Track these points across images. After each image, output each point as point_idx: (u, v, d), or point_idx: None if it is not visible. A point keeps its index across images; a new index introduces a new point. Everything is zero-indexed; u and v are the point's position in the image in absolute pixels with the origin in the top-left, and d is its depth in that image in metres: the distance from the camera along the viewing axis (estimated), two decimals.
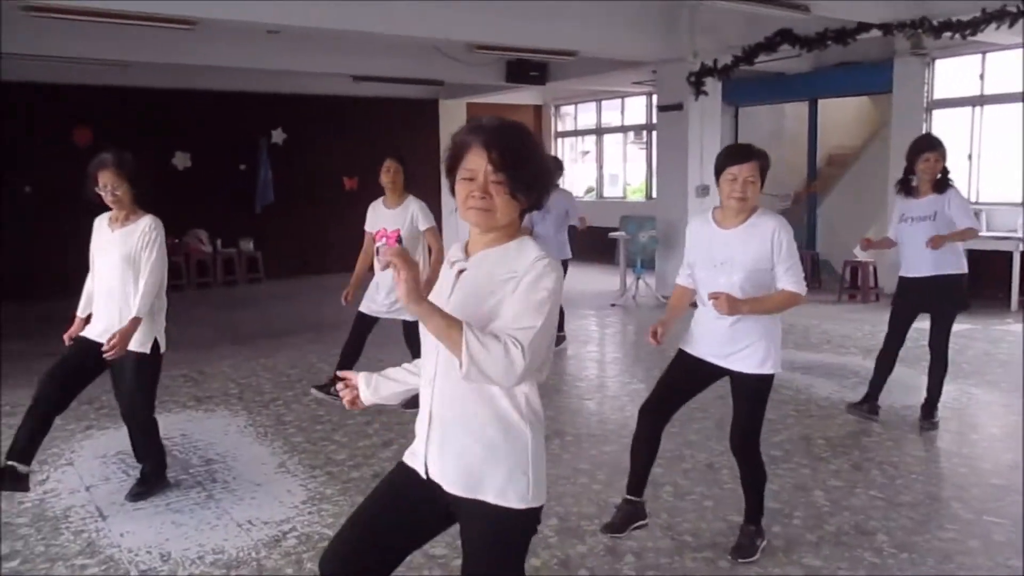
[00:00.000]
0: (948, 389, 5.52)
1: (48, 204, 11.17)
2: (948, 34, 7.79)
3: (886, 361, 5.45)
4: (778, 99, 12.65)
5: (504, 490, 1.99)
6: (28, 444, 3.99)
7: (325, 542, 3.60)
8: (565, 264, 7.43)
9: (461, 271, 2.08)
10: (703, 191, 10.37)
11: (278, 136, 13.39)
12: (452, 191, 2.07)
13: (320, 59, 10.45)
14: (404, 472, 2.16)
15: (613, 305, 10.24)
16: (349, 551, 2.15)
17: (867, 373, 6.52)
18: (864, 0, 7.70)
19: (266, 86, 12.58)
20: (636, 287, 10.55)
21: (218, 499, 4.27)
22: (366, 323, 5.79)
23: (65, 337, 4.16)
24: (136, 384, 4.11)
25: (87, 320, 4.18)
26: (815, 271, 11.72)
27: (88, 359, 4.05)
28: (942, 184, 5.13)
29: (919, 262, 5.12)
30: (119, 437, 5.22)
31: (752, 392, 3.43)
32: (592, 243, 14.03)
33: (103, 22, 7.20)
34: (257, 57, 9.98)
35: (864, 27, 8.29)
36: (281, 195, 13.24)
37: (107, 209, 4.14)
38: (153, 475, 4.34)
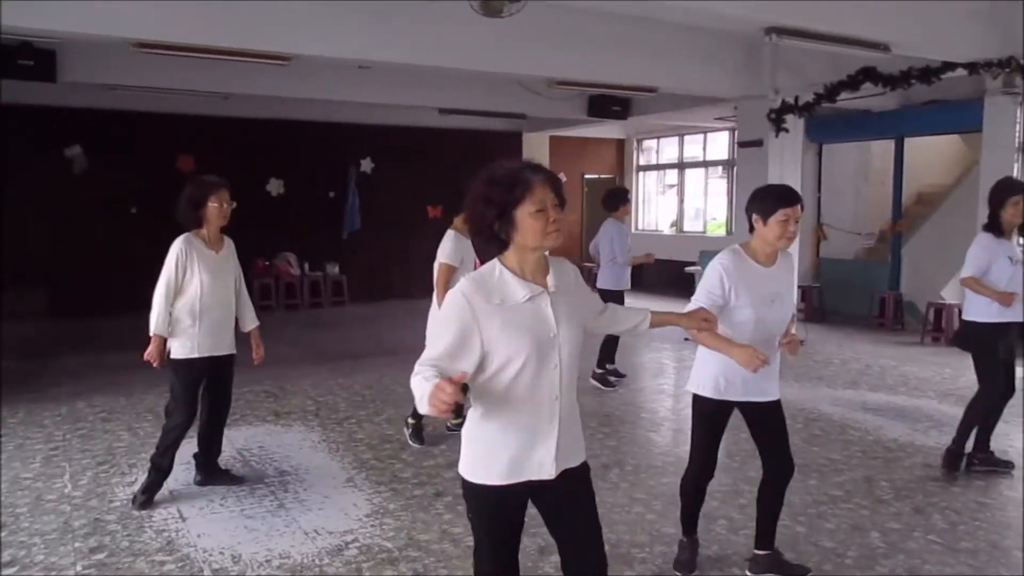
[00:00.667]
0: None
1: (152, 225, 11.87)
2: None
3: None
4: (863, 137, 12.46)
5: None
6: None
7: (384, 554, 3.85)
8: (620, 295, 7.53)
9: (550, 297, 2.40)
10: None
11: (366, 165, 13.90)
12: (501, 219, 2.31)
13: (407, 93, 10.85)
14: (509, 493, 2.43)
15: (686, 339, 10.23)
16: None
17: (941, 417, 6.47)
18: (947, 38, 7.58)
19: (356, 117, 13.10)
20: None
21: (288, 508, 4.52)
22: None
23: (154, 355, 4.43)
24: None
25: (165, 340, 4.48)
26: (897, 312, 11.47)
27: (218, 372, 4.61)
28: None
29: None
30: None
31: (782, 414, 3.56)
32: (670, 276, 14.10)
33: (204, 57, 7.69)
34: (348, 90, 10.45)
35: (949, 66, 8.18)
36: (367, 222, 13.71)
37: (193, 229, 4.52)
38: (149, 474, 4.61)
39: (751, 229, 3.51)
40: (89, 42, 7.89)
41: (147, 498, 4.51)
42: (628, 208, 8.27)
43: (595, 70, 9.17)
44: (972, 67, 7.98)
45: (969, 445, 5.19)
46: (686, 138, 15.42)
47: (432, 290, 5.84)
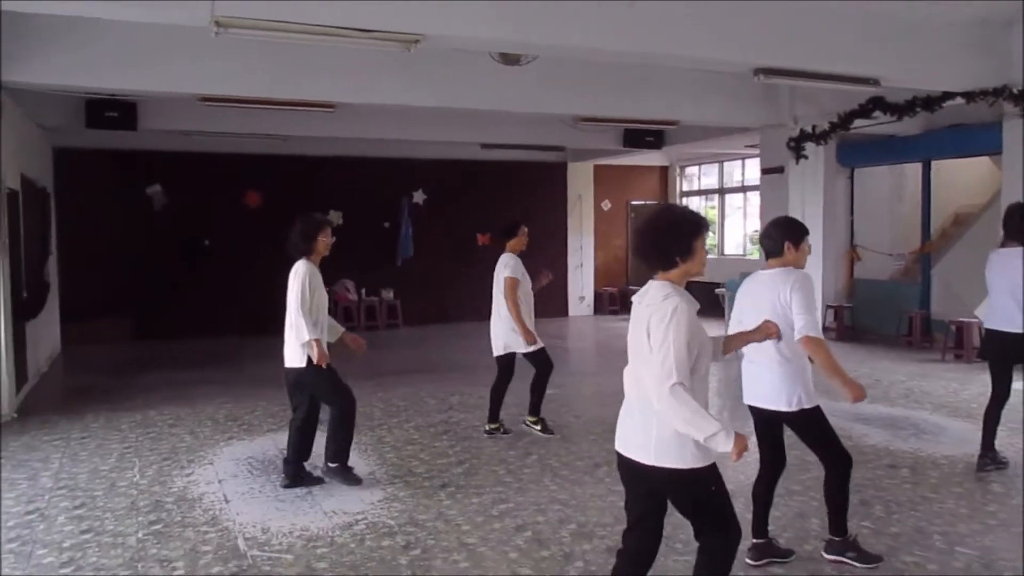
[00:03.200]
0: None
1: (223, 256, 13.08)
2: None
3: None
4: (891, 160, 12.81)
5: None
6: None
7: (385, 528, 4.62)
8: None
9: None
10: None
11: (419, 197, 14.88)
12: (668, 250, 3.00)
13: (449, 130, 11.80)
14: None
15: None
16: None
17: (928, 427, 6.95)
18: (938, 69, 8.05)
19: (408, 152, 14.11)
20: None
21: (315, 495, 5.33)
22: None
23: (322, 357, 5.26)
24: None
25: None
26: (926, 329, 11.75)
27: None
28: None
29: None
30: (251, 447, 6.50)
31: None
32: (704, 298, 14.59)
33: (260, 108, 8.74)
34: (395, 129, 11.44)
35: (949, 95, 8.64)
36: (420, 249, 14.65)
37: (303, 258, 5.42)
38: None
39: (770, 255, 4.13)
40: (164, 96, 9.02)
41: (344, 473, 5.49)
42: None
43: (616, 107, 9.93)
44: (969, 96, 8.44)
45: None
46: (725, 164, 15.95)
47: (489, 309, 6.84)
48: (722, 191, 16.25)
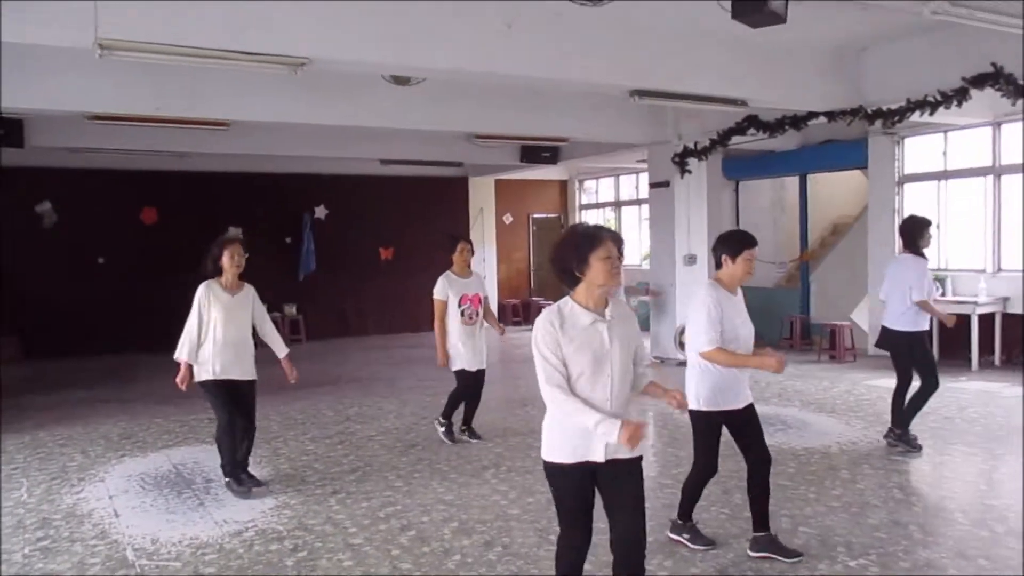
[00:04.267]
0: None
1: (118, 274, 12.87)
2: (899, 117, 8.68)
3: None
4: (772, 174, 13.62)
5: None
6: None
7: (274, 534, 4.78)
8: None
9: (607, 324, 3.20)
10: (691, 260, 11.38)
11: (320, 212, 14.95)
12: (572, 272, 3.20)
13: (349, 147, 11.96)
14: (574, 471, 3.21)
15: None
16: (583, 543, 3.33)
17: (794, 422, 7.50)
18: (798, 92, 8.68)
19: (308, 168, 14.16)
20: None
21: (207, 505, 5.45)
22: (474, 376, 6.92)
23: (181, 382, 5.53)
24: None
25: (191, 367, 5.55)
26: (805, 333, 12.51)
27: (237, 393, 5.64)
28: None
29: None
30: (143, 463, 6.55)
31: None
32: None
33: (151, 125, 8.74)
34: (291, 145, 11.52)
35: (813, 115, 9.30)
36: (322, 265, 14.71)
37: (212, 277, 5.63)
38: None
39: (719, 265, 4.46)
40: (51, 114, 8.92)
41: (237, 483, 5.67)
42: None
43: (509, 124, 10.30)
44: (830, 115, 9.10)
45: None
46: (621, 178, 16.56)
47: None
48: (618, 204, 16.86)
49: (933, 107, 8.18)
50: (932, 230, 6.65)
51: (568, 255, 3.22)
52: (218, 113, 8.50)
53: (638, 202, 16.39)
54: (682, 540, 4.57)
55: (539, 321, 3.22)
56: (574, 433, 3.18)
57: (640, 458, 3.29)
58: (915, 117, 8.46)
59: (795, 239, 13.68)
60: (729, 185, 14.06)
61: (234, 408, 5.63)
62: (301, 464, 6.48)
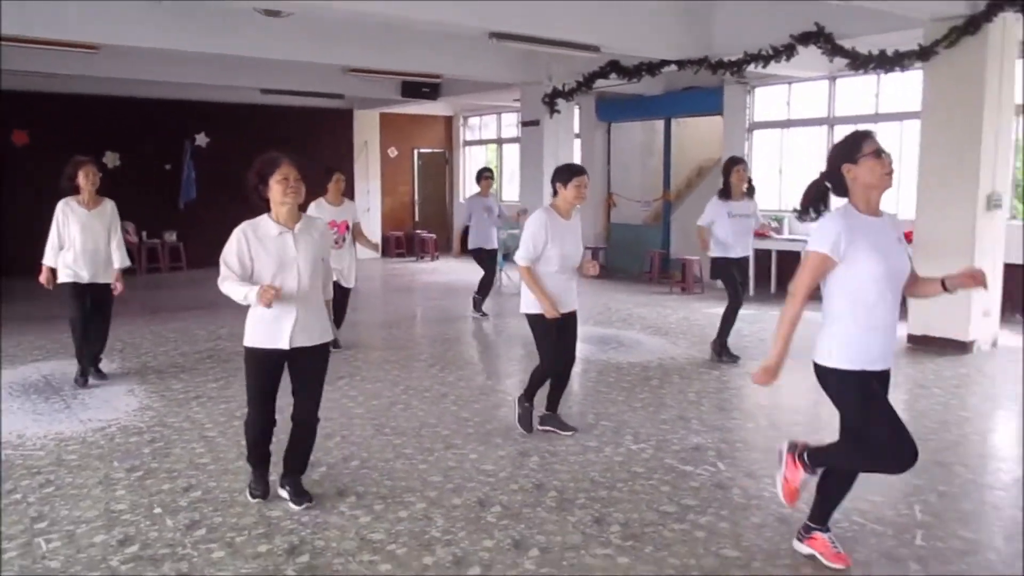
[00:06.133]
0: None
1: None
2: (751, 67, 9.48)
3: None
4: (640, 117, 14.38)
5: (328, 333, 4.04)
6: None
7: (135, 430, 5.27)
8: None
9: (293, 235, 3.84)
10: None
11: (201, 140, 14.96)
12: (259, 193, 3.83)
13: (226, 75, 12.02)
14: (265, 356, 3.88)
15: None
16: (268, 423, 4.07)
17: (631, 343, 8.34)
18: (649, 41, 9.39)
19: (189, 94, 14.08)
20: (500, 279, 12.20)
21: (73, 408, 5.88)
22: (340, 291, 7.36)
23: (45, 280, 6.34)
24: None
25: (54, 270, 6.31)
26: (664, 267, 13.46)
27: (86, 296, 6.38)
28: (751, 191, 7.36)
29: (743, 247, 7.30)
30: (13, 374, 6.88)
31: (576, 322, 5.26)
32: None
33: (14, 45, 8.71)
34: (167, 71, 11.52)
35: (665, 63, 10.04)
36: (204, 192, 14.77)
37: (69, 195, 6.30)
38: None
39: (555, 194, 5.06)
40: None
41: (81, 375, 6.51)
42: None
43: (382, 60, 10.64)
44: (680, 63, 9.85)
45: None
46: (503, 115, 17.08)
47: None
48: (499, 141, 17.41)
49: (766, 60, 9.05)
50: (743, 170, 7.34)
51: (252, 179, 3.86)
52: (87, 36, 8.56)
53: (519, 139, 16.96)
54: (517, 412, 5.37)
55: (233, 232, 3.84)
56: (267, 325, 3.84)
57: (326, 345, 4.01)
58: (752, 68, 9.32)
59: (661, 179, 14.57)
60: (602, 126, 14.78)
61: (84, 308, 6.40)
62: (168, 375, 6.93)
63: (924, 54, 7.75)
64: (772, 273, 11.69)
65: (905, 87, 10.04)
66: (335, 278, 7.31)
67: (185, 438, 5.21)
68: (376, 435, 5.28)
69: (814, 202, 3.35)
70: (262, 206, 3.90)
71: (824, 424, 5.51)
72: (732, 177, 7.26)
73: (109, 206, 6.51)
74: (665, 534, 3.80)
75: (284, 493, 4.16)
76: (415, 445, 5.09)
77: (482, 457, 4.87)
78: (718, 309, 7.56)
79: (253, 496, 4.16)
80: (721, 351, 7.40)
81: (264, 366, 3.91)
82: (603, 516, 4.00)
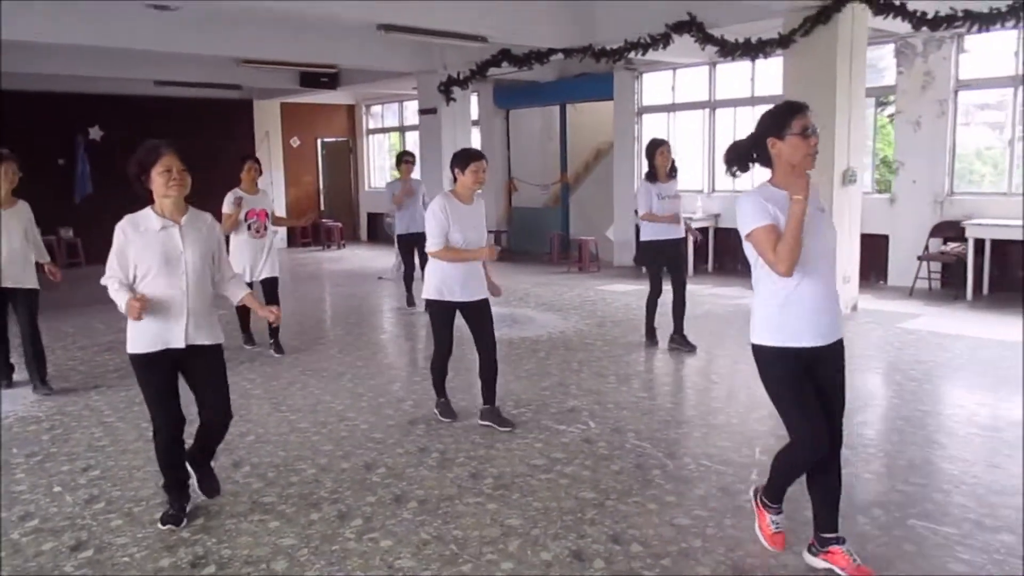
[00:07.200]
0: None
1: None
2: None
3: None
4: (537, 103, 14.83)
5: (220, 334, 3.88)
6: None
7: (34, 420, 5.39)
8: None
9: (179, 228, 3.68)
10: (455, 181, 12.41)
11: (95, 133, 14.73)
12: (141, 184, 3.67)
13: (119, 67, 11.91)
14: (157, 359, 3.68)
15: (380, 278, 12.18)
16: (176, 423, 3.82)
17: (523, 319, 8.73)
18: (533, 31, 9.81)
19: (79, 87, 13.84)
20: (399, 265, 12.47)
21: None
22: (263, 284, 7.37)
23: None
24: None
25: None
26: (564, 248, 13.97)
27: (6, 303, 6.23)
28: (674, 172, 7.22)
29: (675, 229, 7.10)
30: None
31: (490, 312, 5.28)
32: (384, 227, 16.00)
33: None
34: (57, 65, 11.35)
35: (553, 51, 10.47)
36: (101, 187, 14.53)
37: None
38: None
39: (455, 180, 5.12)
40: None
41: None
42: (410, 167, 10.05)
43: (275, 50, 10.77)
44: (566, 52, 10.30)
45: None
46: (405, 104, 17.30)
47: None
48: (402, 129, 17.63)
49: (644, 48, 9.56)
50: (667, 150, 7.10)
51: (133, 168, 3.70)
52: None
53: (417, 128, 17.23)
54: (436, 413, 5.39)
55: (117, 227, 3.71)
56: (153, 325, 3.65)
57: (219, 345, 3.86)
58: (633, 56, 9.83)
59: (559, 163, 15.07)
60: (500, 113, 15.19)
61: (4, 315, 6.16)
62: (67, 368, 7.03)
63: (783, 42, 8.37)
64: (710, 251, 12.09)
65: (777, 72, 10.73)
66: (268, 273, 7.32)
67: (84, 424, 5.39)
68: (273, 412, 5.56)
69: (737, 162, 3.25)
70: (147, 198, 3.73)
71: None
72: (657, 159, 7.07)
73: (25, 207, 6.27)
74: (532, 483, 4.22)
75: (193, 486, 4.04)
76: (310, 420, 5.40)
77: (372, 427, 5.22)
78: (613, 286, 7.92)
79: (165, 523, 3.79)
80: (649, 336, 7.35)
81: (158, 368, 3.71)
82: (479, 471, 4.40)
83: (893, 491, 4.07)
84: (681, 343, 7.18)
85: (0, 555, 3.56)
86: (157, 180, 3.66)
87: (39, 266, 6.38)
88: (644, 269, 7.62)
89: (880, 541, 3.52)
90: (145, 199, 3.77)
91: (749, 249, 3.17)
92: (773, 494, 3.41)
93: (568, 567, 3.35)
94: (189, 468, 4.02)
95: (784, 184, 3.08)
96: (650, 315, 7.39)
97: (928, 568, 3.29)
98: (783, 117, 3.09)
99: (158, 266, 3.66)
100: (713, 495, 4.04)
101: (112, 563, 3.47)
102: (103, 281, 3.73)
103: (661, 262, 7.21)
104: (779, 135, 3.08)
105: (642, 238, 7.28)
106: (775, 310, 3.12)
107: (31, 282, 6.22)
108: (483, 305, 5.22)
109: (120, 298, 3.63)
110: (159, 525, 3.79)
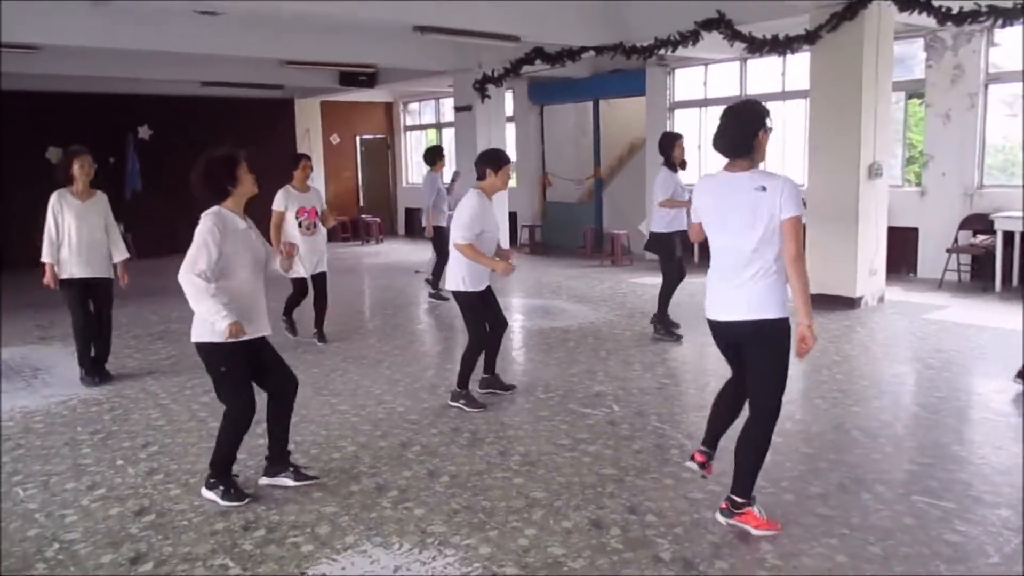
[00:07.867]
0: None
1: None
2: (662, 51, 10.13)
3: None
4: (571, 99, 15.05)
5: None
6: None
7: (95, 401, 5.80)
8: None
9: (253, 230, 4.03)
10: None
11: (144, 132, 15.28)
12: (227, 180, 3.88)
13: (167, 69, 12.40)
14: (241, 349, 3.92)
15: (417, 272, 12.52)
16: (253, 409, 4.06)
17: (556, 311, 9.02)
18: (566, 30, 10.04)
19: (130, 88, 14.40)
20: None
21: (34, 387, 6.42)
22: (315, 281, 7.68)
23: (50, 281, 6.15)
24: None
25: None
26: (597, 242, 14.19)
27: (87, 295, 6.32)
28: (684, 165, 7.39)
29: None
30: None
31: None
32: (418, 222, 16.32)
33: None
34: (109, 67, 11.85)
35: (585, 49, 10.70)
36: (150, 183, 15.10)
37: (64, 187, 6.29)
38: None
39: (481, 177, 5.37)
40: None
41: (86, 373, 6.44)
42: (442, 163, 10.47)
43: (316, 52, 11.15)
44: (598, 50, 10.52)
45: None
46: (442, 101, 17.62)
47: None
48: (439, 125, 17.97)
49: (675, 45, 9.75)
50: (683, 143, 7.32)
51: (218, 167, 3.88)
52: (25, 37, 8.90)
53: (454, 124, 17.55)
54: (459, 405, 5.45)
55: (206, 219, 3.84)
56: (240, 316, 3.83)
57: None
58: (664, 52, 10.02)
59: (593, 158, 15.29)
60: (535, 109, 15.44)
61: (87, 309, 6.33)
62: (123, 355, 7.45)
63: (810, 38, 8.52)
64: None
65: (807, 67, 10.85)
66: (320, 268, 7.63)
67: (141, 406, 5.79)
68: (315, 396, 5.91)
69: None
70: (208, 198, 3.89)
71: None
72: (675, 151, 7.23)
73: (103, 198, 6.47)
74: (557, 460, 4.50)
75: (285, 480, 4.22)
76: (350, 403, 5.74)
77: (408, 410, 5.54)
78: (644, 279, 8.15)
79: (232, 500, 4.03)
80: (662, 326, 7.42)
81: (242, 357, 3.94)
82: (507, 449, 4.69)
83: (898, 469, 4.28)
84: (668, 328, 7.39)
85: (0, 555, 3.70)
86: (246, 179, 3.92)
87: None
88: (658, 256, 7.64)
89: (882, 514, 3.74)
90: (203, 200, 3.96)
91: (773, 228, 3.43)
92: (742, 488, 3.63)
93: (587, 534, 3.62)
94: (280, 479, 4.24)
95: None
96: (663, 306, 7.41)
97: (926, 540, 3.51)
98: (765, 114, 3.64)
99: (248, 264, 3.94)
100: (728, 473, 4.25)
101: (172, 526, 3.82)
102: (186, 276, 3.78)
103: (676, 253, 7.35)
104: (766, 128, 3.58)
105: (657, 229, 7.38)
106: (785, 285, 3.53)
107: (109, 272, 6.42)
108: (491, 291, 5.59)
109: (208, 308, 3.75)
110: (227, 503, 4.00)
